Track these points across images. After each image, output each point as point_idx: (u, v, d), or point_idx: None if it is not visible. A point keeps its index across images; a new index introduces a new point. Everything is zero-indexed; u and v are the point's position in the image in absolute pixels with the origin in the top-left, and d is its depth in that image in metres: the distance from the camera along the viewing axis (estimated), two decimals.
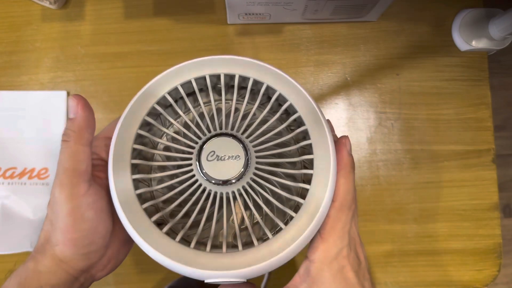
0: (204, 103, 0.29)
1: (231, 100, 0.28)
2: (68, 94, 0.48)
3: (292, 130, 0.29)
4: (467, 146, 0.49)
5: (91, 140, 0.26)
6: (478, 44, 0.49)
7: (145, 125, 0.28)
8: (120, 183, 0.25)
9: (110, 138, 0.28)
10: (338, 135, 0.29)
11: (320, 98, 0.49)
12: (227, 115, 0.28)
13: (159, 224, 0.27)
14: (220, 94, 0.29)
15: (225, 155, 0.25)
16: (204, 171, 0.25)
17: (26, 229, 0.45)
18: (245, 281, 0.25)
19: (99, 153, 0.29)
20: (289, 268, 0.47)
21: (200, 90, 0.29)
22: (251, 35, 0.50)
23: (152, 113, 0.28)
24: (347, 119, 0.49)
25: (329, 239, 0.26)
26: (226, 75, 0.28)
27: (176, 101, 0.29)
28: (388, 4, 0.45)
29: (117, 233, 0.29)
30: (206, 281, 0.24)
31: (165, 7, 0.50)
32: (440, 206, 0.48)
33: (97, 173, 0.28)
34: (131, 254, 0.47)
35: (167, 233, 0.25)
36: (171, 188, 0.27)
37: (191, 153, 0.27)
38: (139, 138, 0.27)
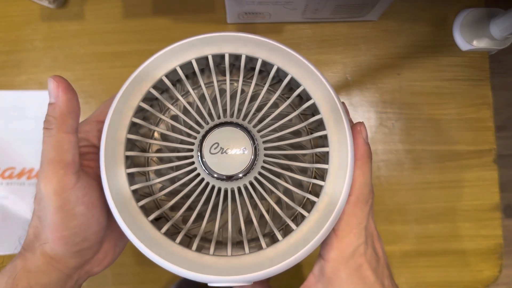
0: (205, 84, 0.26)
1: (237, 81, 0.26)
2: None
3: (306, 118, 0.26)
4: (468, 146, 0.49)
5: (76, 126, 0.23)
6: (479, 44, 0.49)
7: (140, 111, 0.25)
8: (113, 178, 0.23)
9: (102, 122, 0.26)
10: None
11: None
12: (232, 98, 0.26)
13: (159, 218, 0.25)
14: (223, 75, 0.26)
15: (230, 148, 0.23)
16: (207, 165, 0.23)
17: (25, 230, 0.45)
18: (252, 283, 0.23)
19: (90, 139, 0.26)
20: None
21: (201, 70, 0.26)
22: None
23: (148, 98, 0.25)
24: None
25: (345, 237, 0.24)
26: (231, 55, 0.25)
27: (174, 85, 0.26)
28: (388, 3, 0.45)
29: (113, 227, 0.27)
30: (209, 284, 0.23)
31: (165, 6, 0.49)
32: (441, 207, 0.48)
33: (87, 162, 0.25)
34: (131, 255, 0.47)
35: (167, 233, 0.23)
36: (170, 182, 0.25)
37: (192, 143, 0.24)
38: (133, 127, 0.25)
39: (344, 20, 0.49)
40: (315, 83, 0.25)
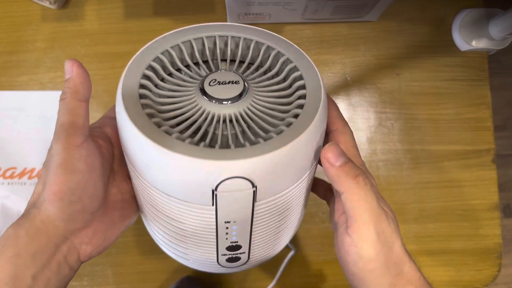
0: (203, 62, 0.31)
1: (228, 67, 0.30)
2: None
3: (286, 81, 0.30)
4: (467, 146, 0.49)
5: (88, 97, 0.26)
6: (478, 44, 0.49)
7: (150, 69, 0.28)
8: (127, 100, 0.26)
9: (114, 118, 0.29)
10: None
11: None
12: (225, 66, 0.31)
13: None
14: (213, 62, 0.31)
15: (225, 80, 0.27)
16: (206, 93, 0.26)
17: None
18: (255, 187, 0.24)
19: (103, 128, 0.30)
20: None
21: (198, 63, 0.30)
22: None
23: (158, 59, 0.29)
24: (347, 119, 0.49)
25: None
26: (221, 37, 0.30)
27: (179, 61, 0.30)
28: (388, 4, 0.45)
29: (108, 211, 0.28)
30: (218, 181, 0.23)
31: (165, 7, 0.50)
32: (440, 206, 0.48)
33: (97, 139, 0.28)
34: (131, 254, 0.47)
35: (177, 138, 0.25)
36: (174, 115, 0.27)
37: (193, 88, 0.28)
38: (144, 78, 0.28)
39: (343, 20, 0.50)
40: (287, 47, 0.29)
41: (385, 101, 0.49)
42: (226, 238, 0.28)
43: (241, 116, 0.26)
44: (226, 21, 0.49)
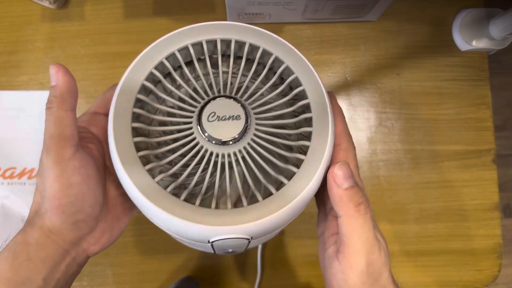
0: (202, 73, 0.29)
1: (228, 71, 0.29)
2: None
3: (292, 104, 0.28)
4: (468, 146, 0.49)
5: (75, 105, 0.26)
6: (479, 44, 0.49)
7: (143, 91, 0.27)
8: (121, 143, 0.25)
9: (99, 114, 0.29)
10: None
11: None
12: (225, 81, 0.29)
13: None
14: (214, 67, 0.29)
15: (225, 115, 0.25)
16: (205, 132, 0.25)
17: None
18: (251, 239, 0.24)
19: (88, 127, 0.29)
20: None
21: (197, 60, 0.29)
22: None
23: (150, 78, 0.27)
24: (348, 119, 0.49)
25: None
26: (222, 41, 0.28)
27: (174, 70, 0.28)
28: (388, 4, 0.45)
29: (110, 208, 0.28)
30: (211, 240, 0.24)
31: (165, 7, 0.50)
32: (440, 206, 0.48)
33: (86, 143, 0.28)
34: (131, 254, 0.47)
35: (172, 192, 0.25)
36: (172, 151, 0.26)
37: (191, 117, 0.26)
38: (138, 103, 0.27)
39: (343, 20, 0.50)
40: (305, 71, 0.27)
41: (385, 101, 0.49)
42: (224, 252, 0.29)
43: (240, 153, 0.25)
44: (226, 20, 0.49)
